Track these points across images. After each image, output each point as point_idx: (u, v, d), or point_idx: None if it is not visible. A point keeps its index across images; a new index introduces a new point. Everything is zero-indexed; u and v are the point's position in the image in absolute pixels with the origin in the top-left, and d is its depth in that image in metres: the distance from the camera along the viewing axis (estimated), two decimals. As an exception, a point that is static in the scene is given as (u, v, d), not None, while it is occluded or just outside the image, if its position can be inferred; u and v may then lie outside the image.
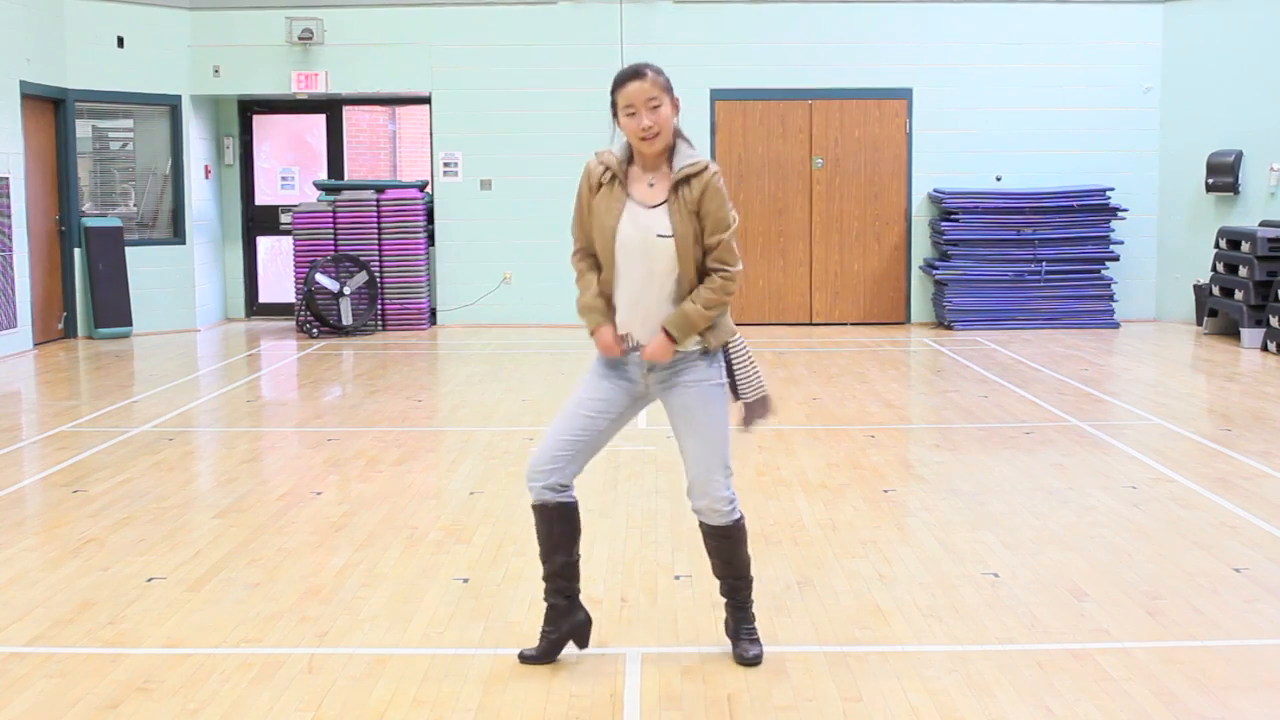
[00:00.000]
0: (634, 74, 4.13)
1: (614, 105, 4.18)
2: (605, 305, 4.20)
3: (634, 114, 4.10)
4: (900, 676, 4.18)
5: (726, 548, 4.29)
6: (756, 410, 4.32)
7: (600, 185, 4.18)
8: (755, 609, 4.41)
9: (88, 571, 5.37)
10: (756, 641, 4.33)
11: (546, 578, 4.31)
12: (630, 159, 4.21)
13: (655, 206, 4.11)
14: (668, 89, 4.13)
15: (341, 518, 6.23)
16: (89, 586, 5.17)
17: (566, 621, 4.31)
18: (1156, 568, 5.33)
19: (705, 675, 4.18)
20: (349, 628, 4.68)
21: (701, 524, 4.29)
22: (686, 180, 4.09)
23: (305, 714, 3.92)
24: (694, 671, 4.23)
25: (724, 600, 4.39)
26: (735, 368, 4.26)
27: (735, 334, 4.25)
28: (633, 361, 4.22)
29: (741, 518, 4.28)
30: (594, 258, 4.24)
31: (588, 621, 4.36)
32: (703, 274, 4.13)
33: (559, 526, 4.25)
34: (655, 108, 4.08)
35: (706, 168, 4.12)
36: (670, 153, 4.16)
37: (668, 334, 4.11)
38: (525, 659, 4.30)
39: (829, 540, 5.78)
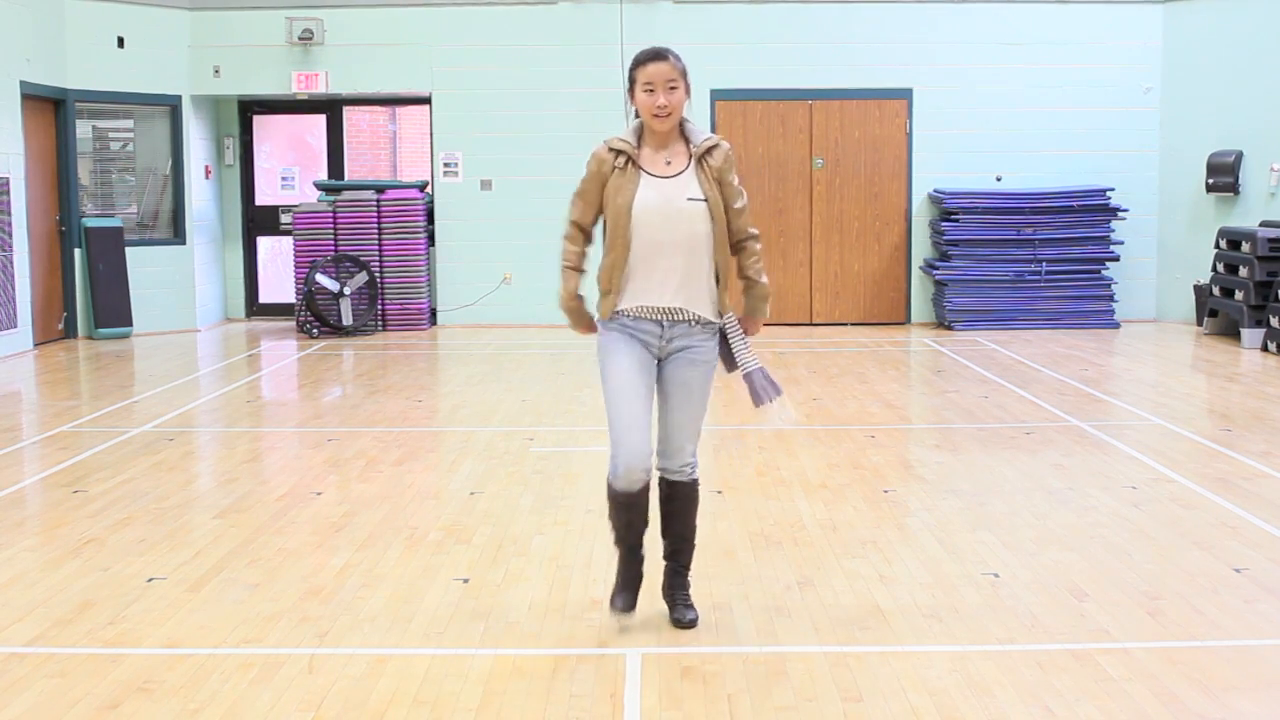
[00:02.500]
0: (656, 54, 4.40)
1: (632, 82, 4.42)
2: (582, 305, 4.57)
3: (652, 91, 4.35)
4: (900, 676, 4.18)
5: (684, 508, 4.58)
6: (758, 384, 4.53)
7: (614, 170, 4.40)
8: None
9: (88, 571, 5.37)
10: (692, 607, 4.63)
11: (627, 535, 4.56)
12: (640, 143, 4.44)
13: (676, 176, 4.40)
14: (685, 75, 4.43)
15: (342, 518, 6.23)
16: (89, 586, 5.17)
17: (639, 567, 4.62)
18: (1156, 568, 5.33)
19: (705, 675, 4.19)
20: (349, 628, 4.68)
21: (663, 482, 4.55)
22: (708, 152, 4.44)
23: (305, 714, 3.92)
24: (694, 671, 4.23)
25: (665, 564, 4.66)
26: (731, 340, 4.53)
27: (729, 309, 4.54)
28: (649, 330, 4.43)
29: (698, 480, 4.59)
30: (585, 237, 4.51)
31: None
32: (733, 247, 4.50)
33: (637, 499, 4.48)
34: (673, 89, 4.36)
35: (721, 141, 4.50)
36: (681, 132, 4.46)
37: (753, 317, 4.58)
38: (619, 609, 4.58)
39: (829, 540, 5.78)
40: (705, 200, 4.37)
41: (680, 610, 4.61)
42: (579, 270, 4.54)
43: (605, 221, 4.44)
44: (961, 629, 4.63)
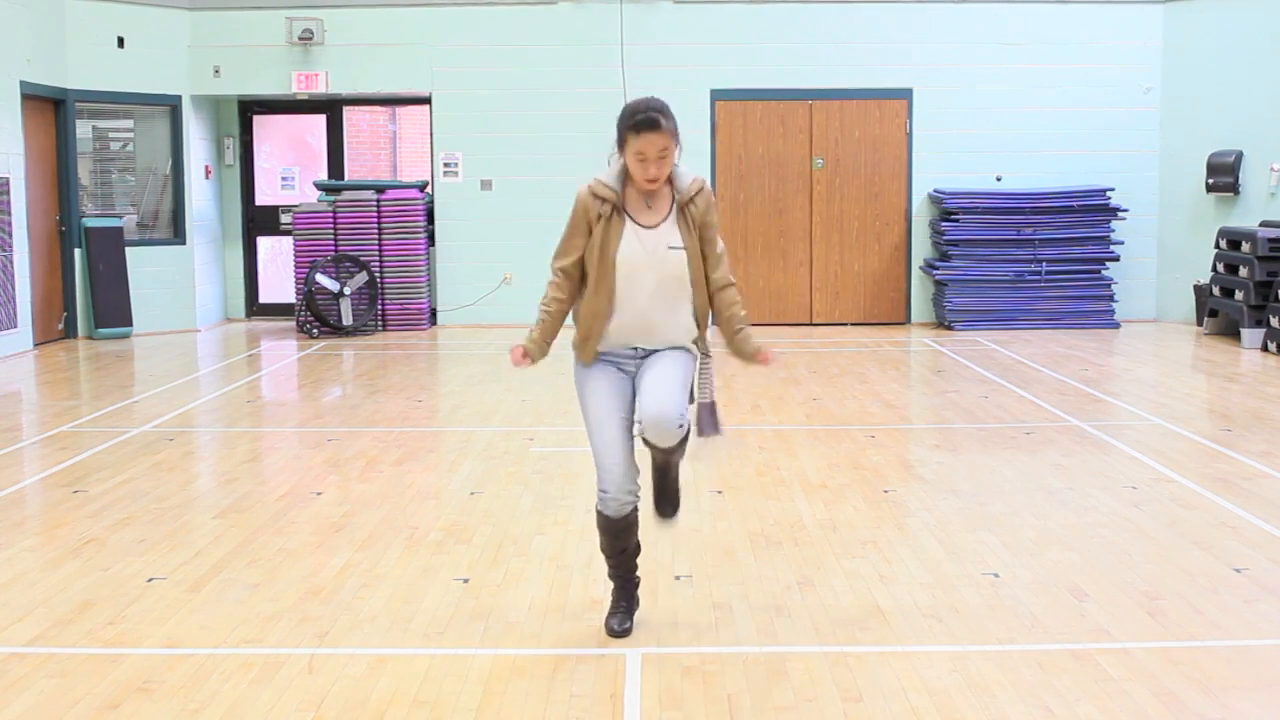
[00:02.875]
0: (650, 124, 4.28)
1: (622, 141, 4.34)
2: (546, 348, 4.54)
3: (644, 161, 4.31)
4: (900, 676, 4.18)
5: (671, 460, 4.52)
6: (705, 416, 4.56)
7: (599, 218, 4.37)
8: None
9: (88, 571, 5.37)
10: (673, 504, 4.69)
11: (621, 560, 4.59)
12: (624, 186, 4.42)
13: (658, 225, 4.38)
14: (676, 134, 4.35)
15: (342, 518, 6.23)
16: (89, 586, 5.17)
17: (635, 591, 4.66)
18: (1156, 568, 5.33)
19: (705, 675, 4.19)
20: (349, 628, 4.68)
21: (648, 443, 4.44)
22: (691, 200, 4.40)
23: (305, 714, 3.92)
24: (694, 671, 4.23)
25: (659, 491, 4.68)
26: (699, 373, 4.56)
27: (709, 351, 4.60)
28: (625, 356, 4.46)
29: (687, 432, 4.47)
30: (572, 284, 4.47)
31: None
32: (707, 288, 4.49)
33: (628, 525, 4.51)
34: (663, 158, 4.31)
35: (704, 184, 4.46)
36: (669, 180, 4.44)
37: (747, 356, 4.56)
38: (614, 633, 4.55)
39: (829, 540, 5.78)
40: (685, 249, 4.37)
41: (662, 506, 4.69)
42: (557, 322, 4.50)
43: (586, 267, 4.42)
44: (961, 629, 4.63)
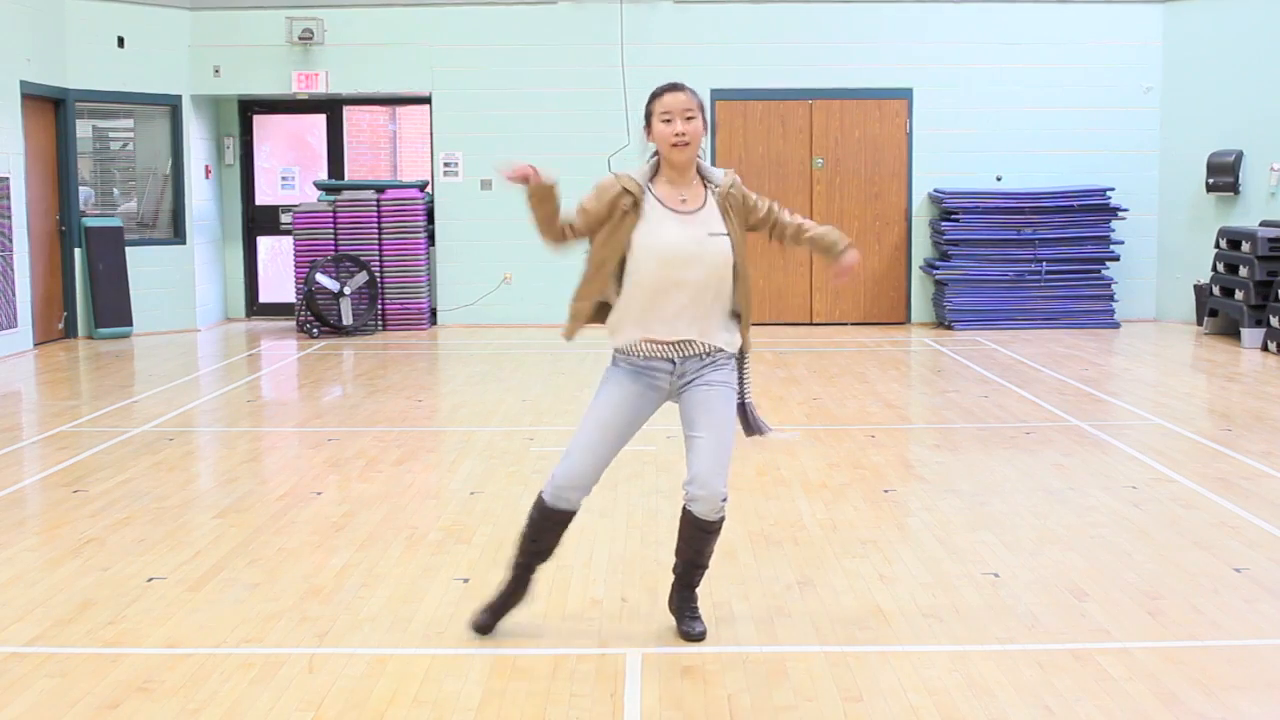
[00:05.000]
0: (674, 86, 4.38)
1: (649, 115, 4.37)
2: (549, 196, 4.36)
3: (670, 120, 4.29)
4: (900, 676, 4.18)
5: (705, 540, 4.44)
6: (745, 418, 4.52)
7: (620, 211, 4.29)
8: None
9: (88, 571, 5.37)
10: (700, 619, 4.56)
11: (530, 556, 4.53)
12: (653, 180, 4.38)
13: (696, 211, 4.34)
14: (702, 109, 4.37)
15: (342, 518, 6.23)
16: (89, 586, 5.17)
17: (520, 595, 4.59)
18: (1156, 568, 5.33)
19: (705, 675, 4.18)
20: (349, 628, 4.68)
21: (689, 515, 4.37)
22: (729, 190, 4.40)
23: (305, 714, 3.92)
24: (694, 671, 4.23)
25: (674, 579, 4.58)
26: (743, 372, 4.50)
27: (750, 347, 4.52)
28: (661, 369, 4.36)
29: (725, 518, 4.44)
30: (571, 229, 4.38)
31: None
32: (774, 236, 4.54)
33: (562, 527, 4.49)
34: (690, 119, 4.30)
35: (736, 177, 4.48)
36: (697, 171, 4.41)
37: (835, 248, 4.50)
38: (478, 628, 4.55)
39: (829, 540, 5.78)
40: (728, 235, 4.32)
41: (688, 623, 4.54)
42: (556, 206, 4.36)
43: (625, 260, 4.29)
44: (961, 629, 4.63)
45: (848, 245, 4.51)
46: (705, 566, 4.54)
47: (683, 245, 4.26)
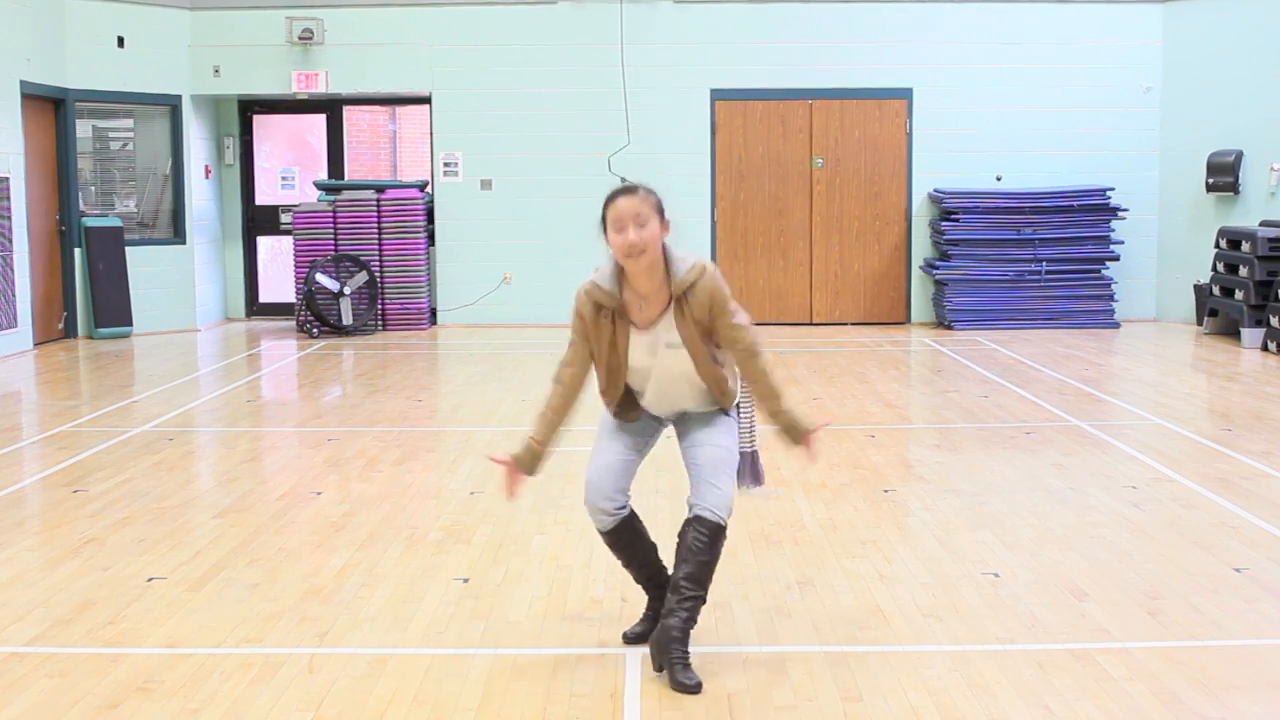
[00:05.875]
0: (625, 190, 4.18)
1: (604, 220, 4.16)
2: (543, 455, 4.36)
3: (622, 229, 4.09)
4: (900, 676, 4.18)
5: (707, 549, 4.18)
6: (745, 466, 4.49)
7: (597, 323, 4.23)
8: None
9: (88, 571, 5.37)
10: (690, 666, 4.11)
11: (640, 583, 4.50)
12: (620, 287, 4.21)
13: (654, 325, 4.20)
14: (659, 209, 4.15)
15: (342, 518, 6.23)
16: (89, 586, 5.17)
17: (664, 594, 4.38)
18: (1156, 568, 5.33)
19: (705, 675, 4.18)
20: (349, 628, 4.68)
21: (691, 521, 4.23)
22: (686, 293, 4.15)
23: (305, 714, 3.92)
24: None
25: (664, 616, 4.16)
26: (742, 420, 4.46)
27: (739, 393, 4.42)
28: (646, 417, 4.41)
29: (725, 524, 4.28)
30: (574, 388, 4.35)
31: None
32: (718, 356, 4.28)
33: (629, 536, 4.40)
34: (642, 225, 4.09)
35: (704, 270, 4.17)
36: (665, 269, 4.18)
37: (797, 431, 4.42)
38: (626, 638, 4.48)
39: (829, 540, 5.78)
40: (684, 345, 4.17)
41: (680, 671, 4.08)
42: (555, 425, 4.35)
43: (595, 365, 4.30)
44: (961, 629, 4.63)
45: (806, 431, 4.40)
46: (701, 591, 4.19)
47: (639, 359, 4.22)
